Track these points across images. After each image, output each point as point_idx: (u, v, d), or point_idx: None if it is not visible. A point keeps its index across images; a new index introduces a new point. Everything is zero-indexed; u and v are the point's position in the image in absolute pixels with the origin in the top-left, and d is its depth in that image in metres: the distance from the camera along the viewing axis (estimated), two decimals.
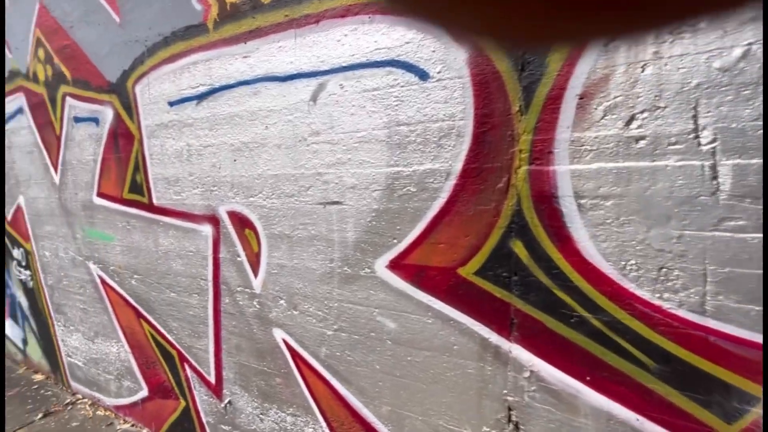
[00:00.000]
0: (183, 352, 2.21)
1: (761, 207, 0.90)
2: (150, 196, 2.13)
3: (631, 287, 1.06)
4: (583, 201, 1.10)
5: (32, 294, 3.23)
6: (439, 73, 1.25)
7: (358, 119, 1.42)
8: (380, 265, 1.47)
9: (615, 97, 1.04)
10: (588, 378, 1.14)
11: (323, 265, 1.60)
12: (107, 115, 2.23)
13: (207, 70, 1.77)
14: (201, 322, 2.08)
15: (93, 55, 2.21)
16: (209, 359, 2.10)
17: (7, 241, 3.33)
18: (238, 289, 1.89)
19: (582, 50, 1.04)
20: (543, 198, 1.15)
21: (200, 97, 1.82)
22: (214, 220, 1.90)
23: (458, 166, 1.26)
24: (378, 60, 1.35)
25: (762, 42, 0.88)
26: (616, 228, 1.07)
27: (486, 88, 1.18)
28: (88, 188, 2.47)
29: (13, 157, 2.99)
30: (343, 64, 1.42)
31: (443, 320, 1.36)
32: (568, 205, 1.12)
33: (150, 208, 2.15)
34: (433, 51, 1.25)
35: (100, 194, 2.41)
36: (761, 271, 0.91)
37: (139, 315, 2.40)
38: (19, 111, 2.81)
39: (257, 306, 1.84)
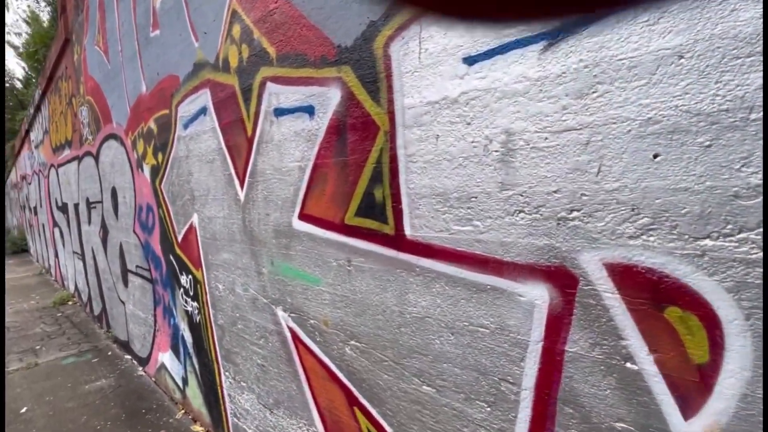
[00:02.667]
0: None
1: None
2: (399, 222, 1.30)
3: None
4: None
5: (198, 330, 2.72)
6: None
7: None
8: None
9: None
10: None
11: None
12: (330, 99, 1.49)
13: None
14: None
15: (314, 13, 1.50)
16: None
17: (174, 265, 2.92)
18: (617, 426, 0.90)
19: None
20: None
21: (557, 36, 0.91)
22: (559, 277, 0.96)
23: None
24: None
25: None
26: None
27: None
28: (286, 207, 1.77)
29: (190, 168, 2.52)
30: None
31: None
32: None
33: (397, 241, 1.32)
34: None
35: (305, 216, 1.68)
36: None
37: (353, 400, 1.58)
38: (202, 111, 2.31)
39: None
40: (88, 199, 4.97)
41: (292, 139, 1.69)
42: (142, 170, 3.24)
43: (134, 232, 3.60)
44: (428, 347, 1.28)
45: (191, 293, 2.74)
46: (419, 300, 1.28)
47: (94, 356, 4.24)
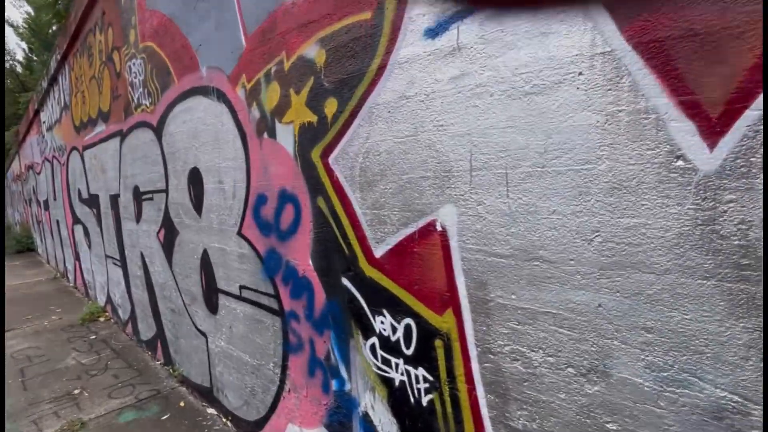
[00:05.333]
0: None
1: None
2: None
3: None
4: None
5: (428, 421, 1.49)
6: None
7: None
8: None
9: None
10: None
11: None
12: None
13: None
14: None
15: None
16: None
17: (355, 294, 1.68)
18: None
19: None
20: None
21: None
22: None
23: None
24: None
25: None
26: None
27: None
28: None
29: (435, 116, 1.27)
30: None
31: None
32: None
33: None
34: None
35: None
36: None
37: None
38: None
39: None
40: (137, 188, 3.71)
41: None
42: (274, 136, 1.98)
43: (240, 234, 2.35)
44: None
45: (408, 351, 1.50)
46: None
47: (162, 409, 3.00)
